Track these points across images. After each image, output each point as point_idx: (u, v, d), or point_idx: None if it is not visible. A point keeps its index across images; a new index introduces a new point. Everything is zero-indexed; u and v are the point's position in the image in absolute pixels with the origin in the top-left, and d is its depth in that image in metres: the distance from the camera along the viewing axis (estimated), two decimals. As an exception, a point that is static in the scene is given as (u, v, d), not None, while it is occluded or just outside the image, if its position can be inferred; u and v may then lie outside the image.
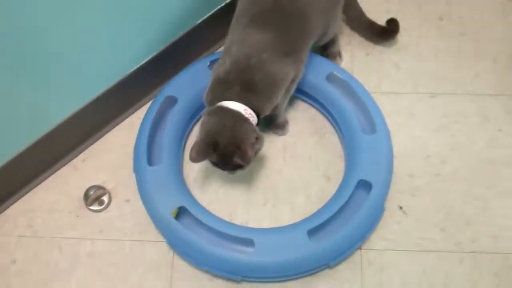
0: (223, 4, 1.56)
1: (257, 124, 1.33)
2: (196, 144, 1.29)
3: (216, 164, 1.33)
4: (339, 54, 1.61)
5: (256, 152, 1.32)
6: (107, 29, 1.35)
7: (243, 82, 1.29)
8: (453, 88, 1.58)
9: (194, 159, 1.28)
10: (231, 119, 1.28)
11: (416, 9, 1.71)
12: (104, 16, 1.31)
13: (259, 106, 1.32)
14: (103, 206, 1.46)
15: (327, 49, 1.58)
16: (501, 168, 1.47)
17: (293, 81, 1.38)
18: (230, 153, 1.28)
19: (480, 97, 1.56)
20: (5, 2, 1.08)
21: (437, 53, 1.64)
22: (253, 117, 1.31)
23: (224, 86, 1.31)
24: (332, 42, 1.56)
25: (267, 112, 1.36)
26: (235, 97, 1.29)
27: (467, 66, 1.61)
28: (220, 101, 1.30)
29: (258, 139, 1.32)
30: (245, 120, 1.29)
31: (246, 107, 1.29)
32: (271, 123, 1.53)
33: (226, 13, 1.45)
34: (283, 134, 1.54)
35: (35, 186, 1.51)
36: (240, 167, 1.31)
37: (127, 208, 1.47)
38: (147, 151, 1.41)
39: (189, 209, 1.34)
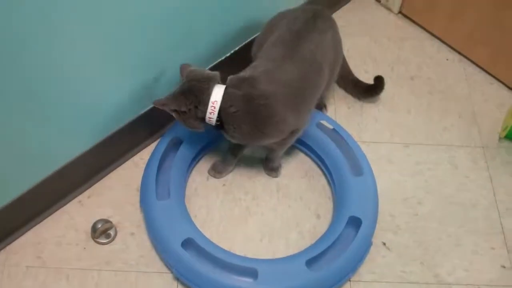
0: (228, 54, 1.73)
1: (216, 126, 1.44)
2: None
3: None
4: (324, 106, 1.79)
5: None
6: (116, 77, 1.47)
7: (248, 99, 1.41)
8: (425, 139, 1.78)
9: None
10: (195, 91, 1.41)
11: (389, 70, 1.92)
12: (117, 65, 1.44)
13: (236, 128, 1.43)
14: (109, 239, 1.54)
15: None
16: (469, 210, 1.65)
17: (292, 133, 1.52)
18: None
19: (449, 147, 1.76)
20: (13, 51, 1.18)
21: (409, 108, 1.84)
22: (208, 113, 1.41)
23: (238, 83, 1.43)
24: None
25: (241, 140, 1.48)
26: (227, 99, 1.40)
27: (436, 120, 1.82)
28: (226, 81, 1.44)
29: (181, 114, 1.44)
30: (194, 101, 1.41)
31: (218, 101, 1.39)
32: (266, 165, 1.67)
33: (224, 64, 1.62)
34: (276, 177, 1.68)
35: (43, 220, 1.58)
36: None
37: (132, 241, 1.55)
38: (155, 186, 1.52)
39: (196, 240, 1.44)
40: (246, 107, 1.41)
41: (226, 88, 1.41)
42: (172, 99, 1.42)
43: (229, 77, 1.45)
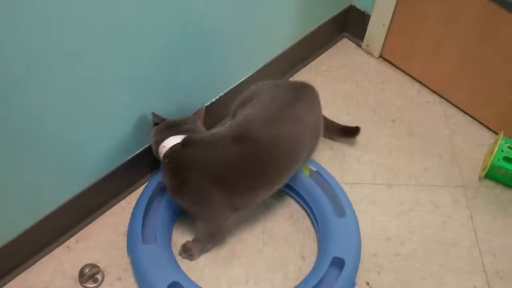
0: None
1: (164, 159, 1.48)
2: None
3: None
4: None
5: None
6: (100, 125, 1.51)
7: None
8: (407, 180, 1.82)
9: None
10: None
11: (371, 113, 1.98)
12: (101, 115, 1.49)
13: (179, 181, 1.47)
14: (96, 284, 1.56)
15: None
16: (450, 249, 1.68)
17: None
18: None
19: (430, 187, 1.80)
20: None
21: (391, 150, 1.89)
22: (164, 148, 1.48)
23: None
24: None
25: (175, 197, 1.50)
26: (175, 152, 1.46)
27: (417, 161, 1.87)
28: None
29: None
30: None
31: (175, 142, 1.46)
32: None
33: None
34: (190, 259, 1.63)
35: (31, 265, 1.59)
36: None
37: (119, 285, 1.57)
38: (142, 231, 1.55)
39: (182, 284, 1.46)
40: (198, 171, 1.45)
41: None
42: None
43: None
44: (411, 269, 1.64)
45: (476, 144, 1.92)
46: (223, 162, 1.44)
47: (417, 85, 2.08)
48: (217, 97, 1.81)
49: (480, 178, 1.83)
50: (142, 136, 1.64)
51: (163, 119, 1.56)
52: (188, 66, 1.62)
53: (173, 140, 1.48)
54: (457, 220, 1.74)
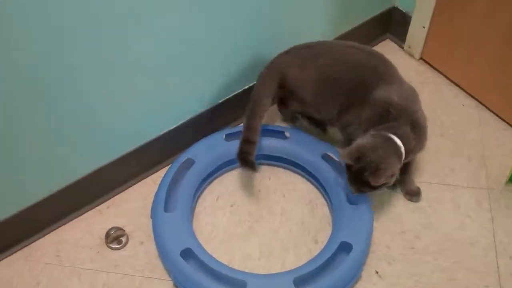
0: (240, 90, 1.89)
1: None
2: (349, 147, 1.54)
3: (349, 172, 1.55)
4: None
5: (385, 184, 1.54)
6: (146, 97, 1.66)
7: (410, 125, 1.57)
8: (431, 178, 1.83)
9: (343, 156, 1.53)
10: (390, 148, 1.53)
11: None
12: (149, 87, 1.63)
13: (411, 151, 1.58)
14: (120, 245, 1.69)
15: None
16: (466, 247, 1.68)
17: None
18: (367, 168, 1.50)
19: (454, 187, 1.81)
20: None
21: (419, 148, 1.91)
22: (403, 156, 1.55)
23: (388, 126, 1.57)
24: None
25: (408, 159, 1.61)
26: (404, 138, 1.55)
27: (444, 161, 1.88)
28: (390, 131, 1.55)
29: (393, 176, 1.54)
30: (399, 155, 1.54)
31: (402, 147, 1.54)
32: (405, 192, 1.79)
33: (242, 97, 1.79)
34: (417, 201, 1.78)
35: (64, 224, 1.76)
36: (366, 185, 1.53)
37: (141, 249, 1.70)
38: (164, 200, 1.66)
39: (194, 251, 1.56)
40: (415, 135, 1.59)
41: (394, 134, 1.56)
42: (387, 167, 1.51)
43: (370, 136, 1.57)
44: (422, 262, 1.65)
45: (509, 150, 1.90)
46: None
47: (454, 88, 2.08)
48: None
49: (506, 182, 1.81)
50: (180, 113, 1.78)
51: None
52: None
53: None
54: (477, 221, 1.74)
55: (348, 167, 1.55)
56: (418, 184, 1.81)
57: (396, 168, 1.54)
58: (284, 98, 1.77)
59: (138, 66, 1.56)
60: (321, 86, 1.67)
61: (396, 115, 1.58)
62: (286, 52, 1.73)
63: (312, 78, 1.67)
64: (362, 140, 1.55)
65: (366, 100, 1.62)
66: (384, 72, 1.64)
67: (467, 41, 1.93)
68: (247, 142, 1.67)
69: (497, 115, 1.98)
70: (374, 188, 1.54)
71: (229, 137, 1.81)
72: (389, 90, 1.60)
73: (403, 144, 1.55)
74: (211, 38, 1.66)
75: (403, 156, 1.55)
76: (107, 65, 1.48)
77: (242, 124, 1.71)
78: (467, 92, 2.06)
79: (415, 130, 1.59)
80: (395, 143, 1.54)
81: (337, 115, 1.71)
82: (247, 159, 1.67)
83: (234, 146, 1.73)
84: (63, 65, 1.39)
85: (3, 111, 1.38)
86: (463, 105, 2.04)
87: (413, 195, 1.78)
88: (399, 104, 1.58)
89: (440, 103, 2.04)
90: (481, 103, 2.02)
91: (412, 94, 1.65)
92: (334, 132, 1.88)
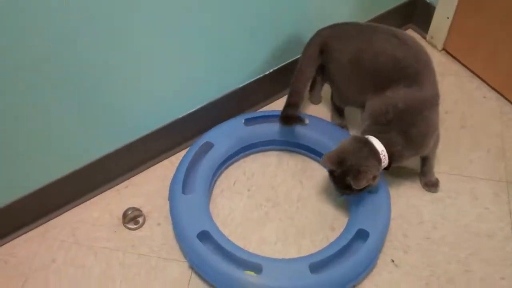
0: (261, 75, 1.88)
1: (387, 168, 1.59)
2: (330, 153, 1.56)
3: (332, 177, 1.58)
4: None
5: (367, 187, 1.56)
6: (171, 77, 1.66)
7: (400, 131, 1.56)
8: (449, 169, 1.82)
9: (324, 162, 1.56)
10: (368, 152, 1.54)
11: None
12: (173, 66, 1.64)
13: (398, 155, 1.58)
14: (137, 225, 1.70)
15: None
16: (484, 240, 1.67)
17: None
18: (348, 172, 1.53)
19: (472, 179, 1.80)
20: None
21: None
22: (385, 160, 1.56)
23: (381, 127, 1.58)
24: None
25: (400, 162, 1.62)
26: (389, 142, 1.56)
27: (463, 153, 1.87)
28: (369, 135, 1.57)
29: (375, 178, 1.55)
30: (378, 159, 1.54)
31: (384, 150, 1.55)
32: (424, 182, 1.79)
33: (262, 82, 1.78)
34: (435, 192, 1.79)
35: (82, 203, 1.77)
36: (347, 188, 1.55)
37: (158, 230, 1.70)
38: (183, 182, 1.67)
39: (211, 233, 1.57)
40: (405, 141, 1.57)
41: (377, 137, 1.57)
42: (367, 170, 1.53)
43: (363, 134, 1.60)
44: (438, 253, 1.65)
45: (529, 144, 1.89)
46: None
47: (476, 80, 2.07)
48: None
49: (526, 176, 1.80)
50: (198, 97, 1.78)
51: None
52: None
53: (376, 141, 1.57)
54: (495, 214, 1.73)
55: (331, 172, 1.58)
56: (437, 175, 1.80)
57: (376, 170, 1.55)
58: (322, 67, 1.77)
59: (171, 45, 1.57)
60: (349, 67, 1.67)
61: (390, 118, 1.57)
62: (333, 25, 1.73)
63: (345, 56, 1.67)
64: (342, 144, 1.58)
65: (379, 95, 1.61)
66: (409, 74, 1.60)
67: (492, 34, 1.91)
68: (290, 106, 1.72)
69: (519, 109, 1.97)
70: (357, 191, 1.55)
71: (248, 122, 1.81)
72: (399, 93, 1.59)
73: (387, 147, 1.55)
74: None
75: (384, 159, 1.55)
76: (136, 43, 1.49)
77: (261, 110, 1.71)
78: (489, 85, 2.04)
79: (406, 139, 1.57)
80: (373, 146, 1.55)
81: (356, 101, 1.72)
82: (289, 119, 1.72)
83: (253, 131, 1.74)
84: (91, 40, 1.40)
85: (26, 87, 1.38)
86: (485, 97, 2.02)
87: (432, 186, 1.78)
88: (399, 108, 1.57)
89: (462, 95, 2.03)
90: (503, 96, 2.01)
91: (423, 103, 1.60)
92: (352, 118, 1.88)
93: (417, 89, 1.59)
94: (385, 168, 1.59)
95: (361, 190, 1.56)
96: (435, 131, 1.65)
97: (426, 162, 1.76)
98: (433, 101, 1.62)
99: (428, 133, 1.62)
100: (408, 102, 1.57)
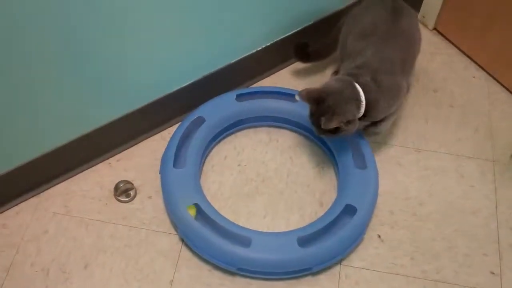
0: (254, 50, 1.89)
1: (361, 118, 1.59)
2: (312, 88, 1.57)
3: (310, 114, 1.59)
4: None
5: (341, 132, 1.56)
6: (161, 51, 1.65)
7: (375, 80, 1.59)
8: (437, 147, 1.85)
9: (303, 95, 1.56)
10: (350, 95, 1.55)
11: (415, 81, 2.01)
12: (166, 40, 1.63)
13: (374, 103, 1.58)
14: (129, 198, 1.72)
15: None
16: (468, 216, 1.71)
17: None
18: (324, 111, 1.54)
19: (459, 157, 1.83)
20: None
21: (428, 118, 1.92)
22: (363, 108, 1.56)
23: (360, 72, 1.60)
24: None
25: (376, 118, 1.65)
26: (366, 87, 1.57)
27: (451, 131, 1.89)
28: (353, 78, 1.58)
29: (350, 124, 1.56)
30: (357, 105, 1.56)
31: (363, 96, 1.55)
32: (369, 131, 1.77)
33: (250, 60, 1.80)
34: (375, 141, 1.84)
35: (74, 175, 1.78)
36: (319, 127, 1.56)
37: (149, 203, 1.73)
38: (174, 156, 1.69)
39: (201, 206, 1.59)
40: (377, 88, 1.59)
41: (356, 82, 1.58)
42: (341, 113, 1.54)
43: (340, 75, 1.64)
44: (424, 229, 1.69)
45: (516, 124, 1.92)
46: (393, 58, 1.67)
47: (466, 59, 2.08)
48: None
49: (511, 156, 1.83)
50: (194, 70, 1.79)
51: None
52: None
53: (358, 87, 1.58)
54: (480, 191, 1.76)
55: (310, 108, 1.59)
56: (425, 153, 1.84)
57: (351, 115, 1.55)
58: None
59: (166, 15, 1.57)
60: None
61: (361, 63, 1.62)
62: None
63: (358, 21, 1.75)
64: (326, 84, 1.59)
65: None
66: (388, 31, 1.68)
67: (483, 14, 1.93)
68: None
69: (507, 89, 1.99)
70: (332, 132, 1.57)
71: (240, 97, 1.83)
72: (376, 45, 1.64)
73: (364, 92, 1.56)
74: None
75: (363, 104, 1.56)
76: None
77: (254, 86, 1.72)
78: (478, 65, 2.06)
79: (377, 84, 1.59)
80: (356, 89, 1.56)
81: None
82: (299, 47, 1.87)
83: (244, 106, 1.75)
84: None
85: (14, 56, 1.37)
86: (474, 77, 2.04)
87: (371, 135, 1.80)
88: (370, 59, 1.62)
89: (451, 74, 2.05)
90: (491, 76, 2.03)
91: (394, 62, 1.65)
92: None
93: (391, 49, 1.66)
94: (359, 118, 1.59)
95: (334, 133, 1.57)
96: (404, 92, 1.68)
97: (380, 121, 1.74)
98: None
99: (400, 88, 1.65)
100: (381, 56, 1.64)
